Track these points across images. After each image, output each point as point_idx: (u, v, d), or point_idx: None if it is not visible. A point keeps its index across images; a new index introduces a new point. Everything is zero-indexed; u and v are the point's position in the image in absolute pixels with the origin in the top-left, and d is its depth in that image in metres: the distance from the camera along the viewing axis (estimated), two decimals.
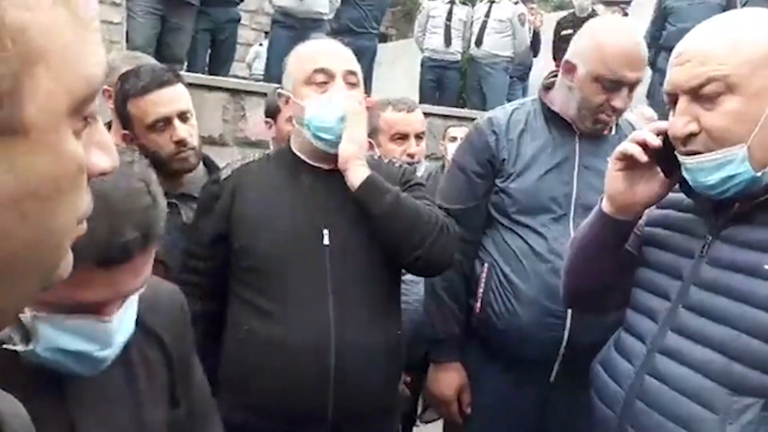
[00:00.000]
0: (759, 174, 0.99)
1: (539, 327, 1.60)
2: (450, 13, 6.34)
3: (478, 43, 6.22)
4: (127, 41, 4.48)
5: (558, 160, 1.66)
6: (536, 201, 1.64)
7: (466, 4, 6.56)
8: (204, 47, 5.21)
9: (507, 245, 1.66)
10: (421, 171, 2.36)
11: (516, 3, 6.37)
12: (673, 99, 1.06)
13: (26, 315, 0.76)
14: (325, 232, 1.45)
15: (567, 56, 1.63)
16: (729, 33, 1.00)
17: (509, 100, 5.34)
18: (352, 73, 1.48)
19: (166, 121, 1.60)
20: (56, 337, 0.77)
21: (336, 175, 1.47)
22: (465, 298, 1.73)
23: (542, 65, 6.53)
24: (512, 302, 1.63)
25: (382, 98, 2.43)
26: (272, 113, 2.38)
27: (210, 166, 1.81)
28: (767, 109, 0.97)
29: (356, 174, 1.44)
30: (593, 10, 6.19)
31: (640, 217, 1.20)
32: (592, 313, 1.51)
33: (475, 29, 6.26)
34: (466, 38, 6.39)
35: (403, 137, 2.25)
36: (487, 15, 6.23)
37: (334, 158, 1.47)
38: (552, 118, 1.69)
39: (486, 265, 1.69)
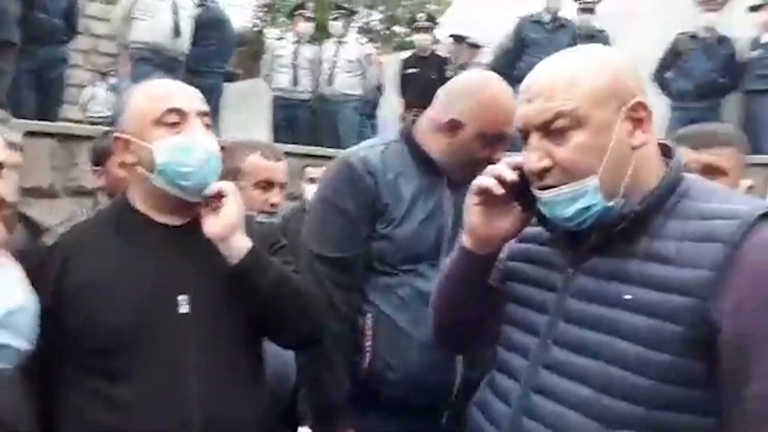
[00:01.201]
0: (610, 204, 1.01)
1: (433, 372, 1.55)
2: (296, 52, 6.36)
3: (329, 82, 6.28)
4: None
5: (432, 206, 1.63)
6: (418, 248, 1.60)
7: (313, 44, 6.62)
8: (29, 89, 4.76)
9: (393, 292, 1.59)
10: (278, 220, 2.27)
11: (363, 44, 6.55)
12: (525, 134, 1.07)
13: None
14: (181, 299, 1.28)
15: (451, 114, 1.60)
16: (572, 68, 1.04)
17: (361, 138, 5.46)
18: (206, 114, 1.35)
19: None
20: None
21: (187, 231, 1.32)
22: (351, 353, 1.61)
23: (390, 102, 6.76)
24: (405, 350, 1.56)
25: (248, 140, 2.29)
26: (100, 159, 2.18)
27: (33, 227, 1.55)
28: (612, 141, 1.00)
29: (238, 244, 1.29)
30: (434, 50, 6.50)
31: (499, 251, 1.20)
32: (463, 352, 1.49)
33: (325, 68, 6.33)
34: (315, 77, 6.45)
35: (268, 185, 2.13)
36: (336, 55, 6.33)
37: (186, 210, 1.32)
38: (423, 162, 1.65)
39: (370, 315, 1.59)
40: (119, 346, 1.23)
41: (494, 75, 1.72)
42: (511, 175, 1.10)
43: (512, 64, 5.59)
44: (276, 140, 5.85)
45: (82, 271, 1.26)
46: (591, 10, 5.89)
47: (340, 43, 6.40)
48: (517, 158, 1.13)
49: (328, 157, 5.20)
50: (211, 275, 1.30)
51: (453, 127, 1.60)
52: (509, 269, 1.23)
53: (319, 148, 5.66)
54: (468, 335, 1.32)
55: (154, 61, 4.91)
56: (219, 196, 1.30)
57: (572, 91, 1.01)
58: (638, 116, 1.03)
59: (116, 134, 1.35)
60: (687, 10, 5.96)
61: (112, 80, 8.96)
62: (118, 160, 1.98)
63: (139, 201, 1.35)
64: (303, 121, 6.46)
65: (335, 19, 6.52)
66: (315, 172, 4.04)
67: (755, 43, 5.60)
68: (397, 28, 22.47)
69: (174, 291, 1.28)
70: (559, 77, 1.03)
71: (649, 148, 1.05)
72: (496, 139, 1.59)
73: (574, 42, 5.48)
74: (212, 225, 1.29)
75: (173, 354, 1.25)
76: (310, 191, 3.93)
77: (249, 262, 1.29)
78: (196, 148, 1.28)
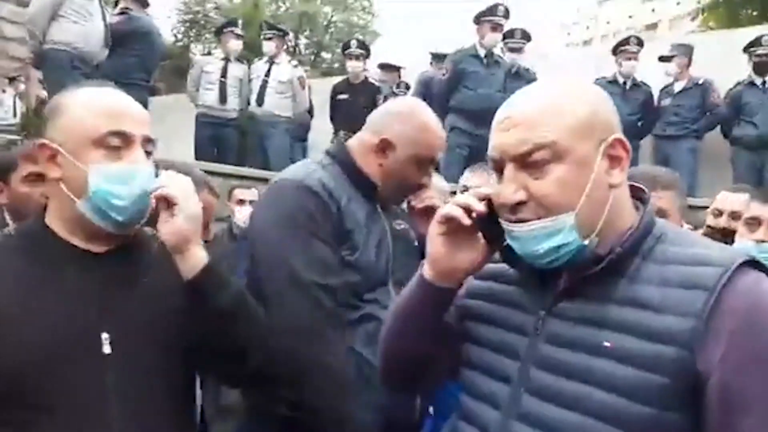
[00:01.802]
0: (585, 243, 0.96)
1: (400, 406, 1.51)
2: (225, 70, 6.20)
3: (260, 101, 6.12)
4: None
5: (379, 231, 1.61)
6: (378, 275, 1.55)
7: (242, 63, 6.47)
8: None
9: (360, 326, 1.50)
10: None
11: (296, 66, 6.47)
12: (499, 165, 1.01)
13: None
14: (105, 336, 1.11)
15: (383, 135, 1.61)
16: (552, 100, 0.99)
17: (292, 160, 5.33)
18: (151, 141, 1.19)
19: None
20: None
21: (111, 258, 1.17)
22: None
23: (319, 127, 6.69)
24: (377, 387, 1.42)
25: (187, 166, 2.13)
26: (1, 173, 1.94)
27: None
28: (592, 177, 0.95)
29: (196, 257, 1.16)
30: (366, 78, 6.48)
31: (460, 286, 1.13)
32: (408, 392, 1.40)
33: (255, 87, 6.18)
34: (244, 96, 6.30)
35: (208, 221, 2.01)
36: (267, 74, 6.19)
37: (111, 238, 1.18)
38: (364, 186, 1.61)
39: None
40: (31, 393, 1.05)
41: (422, 102, 1.75)
42: (480, 207, 1.03)
43: (447, 95, 5.67)
44: (198, 158, 5.67)
45: None
46: (519, 50, 6.06)
47: (272, 63, 6.27)
48: (485, 189, 1.07)
49: (256, 179, 5.05)
50: (139, 308, 1.16)
51: (384, 147, 1.60)
52: (468, 307, 1.16)
53: (246, 168, 5.50)
54: (417, 374, 1.23)
55: (82, 69, 4.57)
56: (169, 203, 1.15)
57: (553, 123, 0.95)
58: (616, 154, 0.99)
59: (43, 141, 1.16)
60: (606, 57, 6.29)
61: (21, 86, 8.42)
62: (31, 170, 1.81)
63: (57, 223, 1.17)
64: (229, 140, 6.28)
65: (269, 39, 6.39)
66: (244, 194, 3.87)
67: (668, 92, 5.95)
68: (324, 54, 22.61)
69: (96, 328, 1.11)
70: (540, 108, 0.98)
71: (624, 188, 1.01)
72: (428, 164, 1.63)
73: (506, 78, 5.69)
74: (166, 234, 1.15)
75: (93, 402, 1.08)
76: (240, 213, 3.77)
77: (207, 277, 1.16)
78: (135, 181, 1.14)
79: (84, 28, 4.61)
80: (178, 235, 1.14)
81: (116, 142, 1.13)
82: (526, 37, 6.11)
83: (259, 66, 6.36)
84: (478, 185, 2.15)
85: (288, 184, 1.56)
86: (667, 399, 0.87)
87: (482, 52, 5.72)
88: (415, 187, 1.65)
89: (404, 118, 1.63)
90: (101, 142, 1.13)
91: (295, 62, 6.63)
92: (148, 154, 1.19)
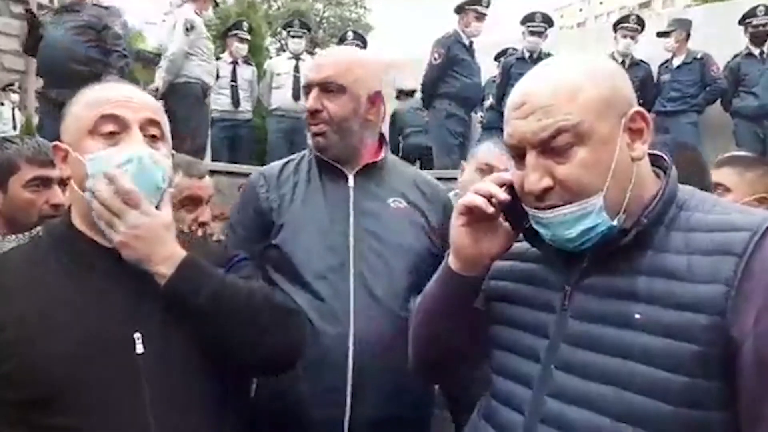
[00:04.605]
0: (615, 223, 0.96)
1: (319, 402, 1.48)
2: (234, 73, 6.29)
3: (296, 96, 6.12)
4: None
5: (331, 207, 1.61)
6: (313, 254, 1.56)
7: (249, 64, 6.53)
8: None
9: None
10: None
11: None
12: (519, 152, 1.00)
13: None
14: (137, 336, 1.10)
15: None
16: (569, 80, 0.97)
17: None
18: (154, 123, 1.16)
19: None
20: None
21: None
22: None
23: None
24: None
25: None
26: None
27: None
28: (615, 154, 0.95)
29: (161, 263, 1.11)
30: None
31: (487, 271, 1.13)
32: (443, 379, 1.39)
33: (287, 83, 6.21)
34: (254, 97, 6.44)
35: (196, 204, 1.98)
36: (296, 70, 6.22)
37: None
38: (323, 164, 1.67)
39: None
40: (63, 394, 1.04)
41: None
42: (503, 195, 1.03)
43: (438, 80, 5.63)
44: (214, 159, 5.86)
45: (17, 307, 1.06)
46: (541, 34, 6.01)
47: (298, 59, 6.29)
48: (505, 175, 1.07)
49: None
50: (168, 305, 1.15)
51: None
52: (493, 289, 1.16)
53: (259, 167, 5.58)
54: (450, 361, 1.24)
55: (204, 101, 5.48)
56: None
57: (573, 105, 0.94)
58: (637, 126, 0.98)
59: (55, 143, 1.17)
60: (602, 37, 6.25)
61: (14, 96, 8.41)
62: (36, 174, 1.69)
63: (80, 222, 1.17)
64: (244, 140, 6.42)
65: (300, 36, 6.40)
66: None
67: (667, 67, 5.93)
68: (318, 50, 22.56)
69: (129, 327, 1.10)
70: (557, 90, 0.96)
71: (645, 159, 1.01)
72: (305, 89, 1.67)
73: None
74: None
75: (128, 403, 1.07)
76: None
77: (176, 280, 1.11)
78: (133, 163, 1.10)
79: (209, 66, 5.50)
80: (130, 253, 1.10)
81: (110, 128, 1.12)
82: (547, 20, 6.05)
83: (280, 62, 6.49)
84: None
85: None
86: (702, 367, 0.87)
87: (467, 41, 5.71)
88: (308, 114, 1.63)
89: None
90: (95, 130, 1.12)
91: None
92: (154, 138, 1.16)
